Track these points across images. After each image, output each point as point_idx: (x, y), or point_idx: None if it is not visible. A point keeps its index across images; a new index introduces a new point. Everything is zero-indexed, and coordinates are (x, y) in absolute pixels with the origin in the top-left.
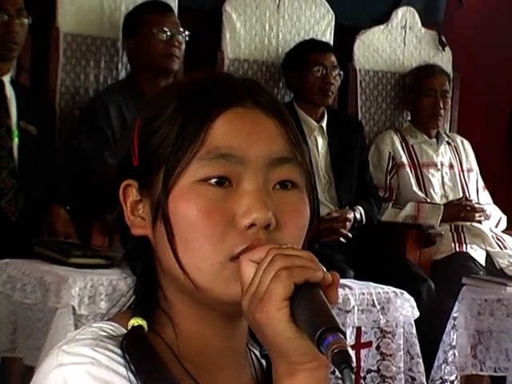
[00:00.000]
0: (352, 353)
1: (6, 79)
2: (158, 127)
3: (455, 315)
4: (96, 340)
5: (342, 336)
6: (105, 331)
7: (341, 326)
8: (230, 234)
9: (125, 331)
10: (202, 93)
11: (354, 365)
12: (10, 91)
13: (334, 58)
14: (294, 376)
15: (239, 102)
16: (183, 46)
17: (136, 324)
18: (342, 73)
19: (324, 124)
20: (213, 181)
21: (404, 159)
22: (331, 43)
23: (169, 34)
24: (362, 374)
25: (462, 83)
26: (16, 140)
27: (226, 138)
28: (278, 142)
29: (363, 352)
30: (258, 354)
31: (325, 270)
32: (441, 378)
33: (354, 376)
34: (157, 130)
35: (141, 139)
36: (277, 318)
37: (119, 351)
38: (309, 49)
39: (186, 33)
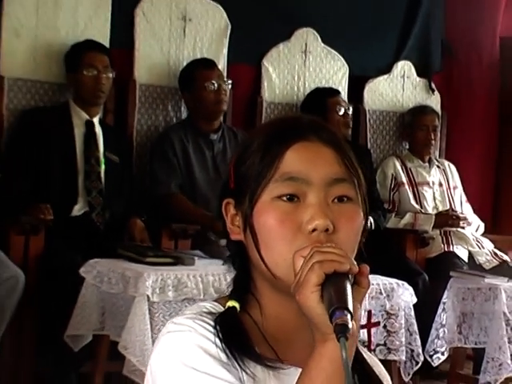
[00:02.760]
0: (364, 330)
1: (96, 120)
2: (246, 158)
3: (445, 301)
4: (197, 314)
5: (348, 314)
6: (207, 308)
7: (349, 307)
8: (298, 237)
9: (222, 309)
10: (277, 132)
11: (352, 333)
12: (98, 129)
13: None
14: (325, 343)
15: (304, 137)
16: (228, 92)
17: (231, 305)
18: (351, 107)
19: None
20: (285, 198)
21: (404, 179)
22: (346, 90)
23: (216, 85)
24: (373, 347)
25: (453, 119)
26: (103, 167)
27: (295, 165)
28: (335, 166)
29: (373, 330)
30: None
31: (354, 263)
32: (434, 349)
33: (347, 343)
34: (246, 161)
35: (236, 167)
36: (310, 299)
37: (213, 323)
38: (325, 95)
39: (229, 82)
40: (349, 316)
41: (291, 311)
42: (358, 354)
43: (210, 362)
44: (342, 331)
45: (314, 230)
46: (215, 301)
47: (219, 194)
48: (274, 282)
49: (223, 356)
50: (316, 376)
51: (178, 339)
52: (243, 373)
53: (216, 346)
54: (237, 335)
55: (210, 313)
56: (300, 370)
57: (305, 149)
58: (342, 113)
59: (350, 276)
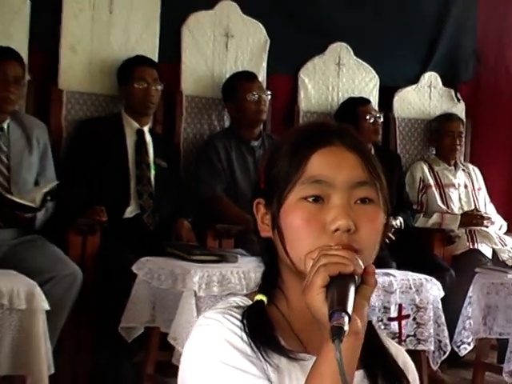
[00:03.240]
0: (396, 322)
1: (146, 129)
2: (276, 161)
3: (470, 295)
4: (225, 309)
5: (346, 316)
6: (236, 303)
7: (348, 309)
8: (322, 236)
9: (251, 303)
10: (305, 137)
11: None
12: (148, 137)
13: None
14: (330, 342)
15: (330, 142)
16: (268, 102)
17: (259, 299)
18: (381, 115)
19: None
20: (310, 199)
21: (431, 182)
22: (377, 99)
23: (257, 96)
24: (403, 338)
25: (479, 126)
26: (153, 172)
27: (320, 169)
28: (358, 170)
29: (404, 322)
30: None
31: (360, 264)
32: (461, 340)
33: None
34: (275, 163)
35: (266, 169)
36: (316, 299)
37: (240, 318)
38: (356, 104)
39: (269, 92)
40: (346, 318)
41: None
42: (381, 345)
43: (236, 356)
44: (336, 333)
45: (336, 229)
46: (245, 296)
47: (251, 194)
48: (297, 274)
49: (248, 349)
50: (325, 370)
51: (207, 333)
52: (267, 364)
53: (242, 339)
54: (262, 328)
55: (239, 307)
56: None
57: (330, 153)
58: (371, 121)
59: (356, 276)
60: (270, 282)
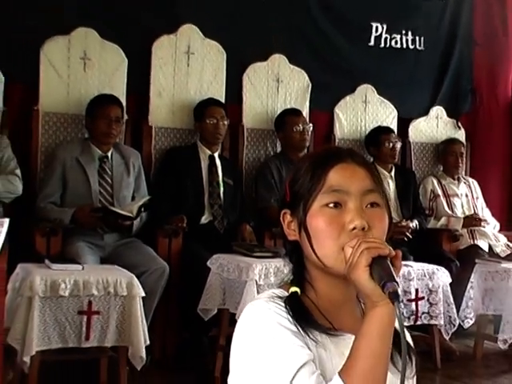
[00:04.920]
0: (413, 303)
1: (216, 155)
2: (299, 178)
3: (472, 280)
4: (269, 298)
5: (396, 284)
6: (276, 293)
7: (396, 279)
8: (342, 235)
9: (287, 294)
10: (323, 157)
11: (401, 299)
12: (218, 161)
13: (395, 135)
14: (375, 308)
15: (343, 160)
16: (310, 132)
17: (294, 290)
18: (400, 142)
19: (392, 174)
20: (331, 205)
21: (439, 192)
22: (396, 128)
23: (301, 127)
24: (419, 315)
25: (474, 148)
26: (222, 189)
27: (337, 180)
28: (366, 181)
29: (419, 303)
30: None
31: (392, 249)
32: (464, 316)
33: (402, 305)
34: (298, 179)
35: (290, 185)
36: (362, 276)
37: (283, 304)
38: (380, 132)
39: (311, 125)
40: (396, 285)
41: (338, 290)
42: None
43: (283, 331)
44: (395, 296)
45: (353, 228)
46: (280, 287)
47: (278, 206)
48: (323, 269)
49: (294, 327)
50: (370, 333)
51: (259, 316)
52: (309, 339)
53: (287, 320)
54: (302, 312)
55: (279, 297)
56: (349, 334)
57: (344, 168)
58: (390, 147)
59: (388, 259)
60: (300, 276)
